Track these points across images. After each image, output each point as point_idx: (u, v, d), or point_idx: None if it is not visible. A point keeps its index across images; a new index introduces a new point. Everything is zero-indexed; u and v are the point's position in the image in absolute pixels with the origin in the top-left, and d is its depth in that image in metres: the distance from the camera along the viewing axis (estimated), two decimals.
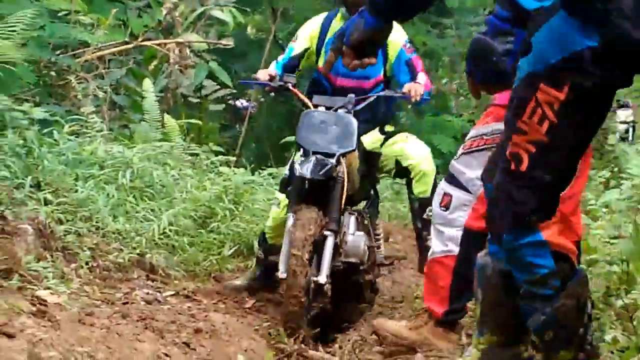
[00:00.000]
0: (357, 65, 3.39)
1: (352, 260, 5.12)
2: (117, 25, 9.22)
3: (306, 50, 5.82)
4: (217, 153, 8.67)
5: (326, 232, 4.91)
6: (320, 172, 4.84)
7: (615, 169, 8.41)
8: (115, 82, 9.23)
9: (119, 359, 3.87)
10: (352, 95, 5.40)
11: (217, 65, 9.98)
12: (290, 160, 5.67)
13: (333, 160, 4.95)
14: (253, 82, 5.89)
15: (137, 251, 5.89)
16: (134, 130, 8.53)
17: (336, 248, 5.03)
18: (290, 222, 4.91)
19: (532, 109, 2.75)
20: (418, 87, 5.53)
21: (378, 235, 5.80)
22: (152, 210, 6.50)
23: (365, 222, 5.51)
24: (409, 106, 10.29)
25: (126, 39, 9.31)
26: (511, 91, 2.92)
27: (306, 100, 5.41)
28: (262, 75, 5.48)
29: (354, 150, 5.19)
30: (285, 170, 6.02)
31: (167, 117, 8.62)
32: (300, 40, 5.80)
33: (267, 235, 5.91)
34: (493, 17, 2.85)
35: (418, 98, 5.48)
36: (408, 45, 5.84)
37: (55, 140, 6.63)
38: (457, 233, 4.32)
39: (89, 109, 7.85)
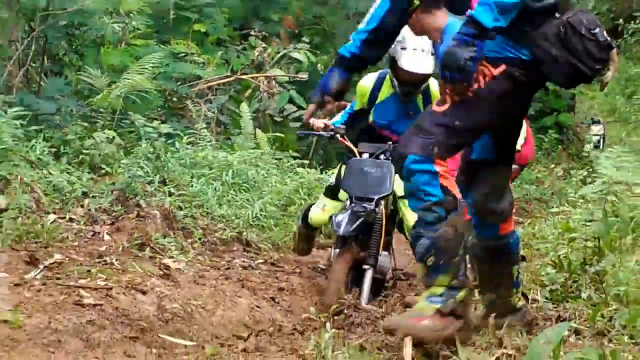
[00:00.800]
0: (339, 107, 3.67)
1: (379, 277, 4.68)
2: (221, 63, 9.24)
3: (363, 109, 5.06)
4: (295, 157, 8.69)
5: (365, 267, 4.48)
6: (351, 229, 4.39)
7: (590, 170, 8.27)
8: (220, 105, 9.27)
9: (223, 309, 3.89)
10: (390, 143, 4.73)
11: (296, 93, 10.01)
12: (337, 170, 5.17)
13: (372, 205, 4.47)
14: (309, 132, 5.32)
15: (237, 230, 5.91)
16: (234, 141, 8.56)
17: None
18: (333, 257, 4.71)
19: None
20: None
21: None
22: (247, 199, 6.53)
23: (389, 245, 4.92)
24: None
25: (228, 73, 9.34)
26: None
27: (352, 147, 4.81)
28: (318, 123, 4.95)
29: (390, 194, 4.63)
30: (331, 178, 5.44)
31: (258, 131, 8.64)
32: (357, 100, 5.10)
33: (309, 218, 5.23)
34: (459, 33, 2.76)
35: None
36: None
37: (176, 148, 6.71)
38: None
39: (201, 125, 7.92)
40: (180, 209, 5.61)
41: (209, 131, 8.01)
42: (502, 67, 2.78)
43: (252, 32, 9.85)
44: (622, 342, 2.82)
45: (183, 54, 8.26)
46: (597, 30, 2.71)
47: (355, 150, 4.77)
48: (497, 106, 2.83)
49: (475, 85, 2.76)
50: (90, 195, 5.29)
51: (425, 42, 4.47)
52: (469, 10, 2.77)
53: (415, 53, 4.57)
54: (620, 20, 20.40)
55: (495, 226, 3.15)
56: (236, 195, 6.57)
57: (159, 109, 7.89)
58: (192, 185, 6.14)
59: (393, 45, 4.27)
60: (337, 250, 4.68)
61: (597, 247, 3.83)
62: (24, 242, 4.35)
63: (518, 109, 3.05)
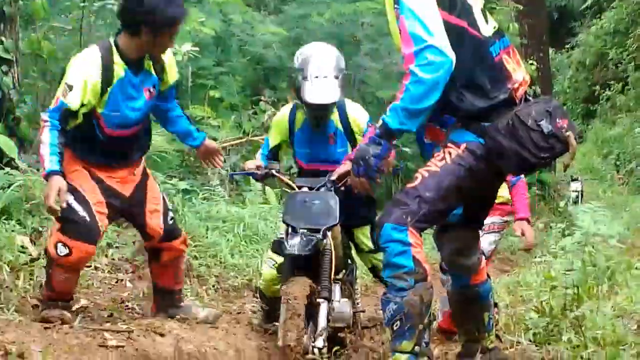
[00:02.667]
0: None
1: (340, 325, 3.97)
2: (234, 126, 9.31)
3: (280, 143, 4.54)
4: None
5: (319, 300, 3.75)
6: (307, 248, 3.70)
7: (568, 223, 8.27)
8: (233, 164, 9.34)
9: (234, 350, 3.88)
10: (330, 176, 4.00)
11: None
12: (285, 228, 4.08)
13: (319, 235, 3.79)
14: (242, 173, 4.88)
15: (247, 278, 5.91)
16: (245, 196, 8.58)
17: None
18: (284, 294, 3.64)
19: (440, 154, 2.85)
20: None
21: (357, 299, 4.47)
22: (257, 250, 6.51)
23: (348, 289, 4.27)
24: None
25: (240, 135, 9.41)
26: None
27: (290, 182, 4.21)
28: (250, 164, 4.37)
29: (336, 224, 3.94)
30: (279, 233, 4.60)
31: (267, 188, 8.68)
32: (272, 135, 4.56)
33: (263, 291, 4.47)
34: (371, 135, 2.84)
35: (390, 169, 4.18)
36: (370, 124, 4.26)
37: (193, 203, 6.73)
38: None
39: (215, 182, 7.95)
40: (196, 258, 5.63)
41: (223, 187, 8.04)
42: (464, 145, 2.83)
43: (262, 98, 9.93)
44: None
45: (200, 118, 8.33)
46: (543, 121, 2.75)
47: (293, 185, 4.15)
48: (463, 179, 2.84)
49: (442, 162, 2.82)
50: (114, 246, 5.32)
51: (327, 66, 4.12)
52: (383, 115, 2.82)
53: (316, 82, 4.08)
54: (597, 87, 20.66)
55: (467, 278, 3.19)
56: (247, 246, 6.57)
57: (177, 167, 7.93)
58: (207, 237, 6.14)
59: (295, 75, 4.16)
60: (285, 287, 3.76)
61: (576, 294, 3.84)
62: None
63: (485, 186, 3.05)
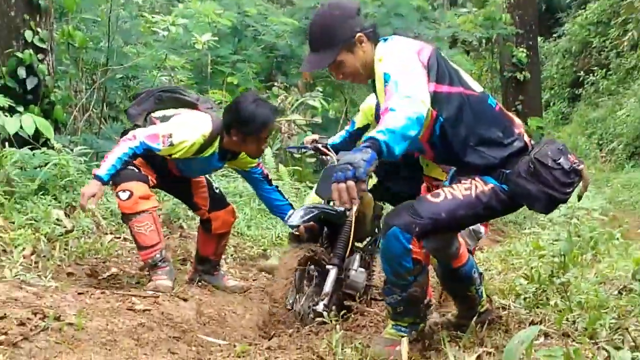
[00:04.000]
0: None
1: (351, 292, 3.87)
2: None
3: (368, 124, 4.40)
4: (311, 187, 8.68)
5: (329, 266, 3.68)
6: (303, 219, 3.59)
7: None
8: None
9: (251, 314, 3.89)
10: None
11: (311, 134, 10.01)
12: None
13: (341, 208, 3.61)
14: (295, 147, 4.93)
15: (262, 248, 5.91)
16: None
17: (341, 279, 3.79)
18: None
19: (467, 183, 2.73)
20: None
21: (374, 271, 4.26)
22: (271, 223, 6.51)
23: (367, 259, 4.12)
24: None
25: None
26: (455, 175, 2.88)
27: (333, 156, 4.06)
28: (308, 139, 4.35)
29: (362, 198, 3.66)
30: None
31: (280, 165, 8.65)
32: (359, 115, 4.45)
33: None
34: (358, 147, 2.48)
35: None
36: None
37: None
38: None
39: None
40: None
41: None
42: (491, 186, 2.74)
43: (275, 84, 9.89)
44: (583, 342, 2.80)
45: (219, 102, 8.31)
46: (562, 159, 2.69)
47: (334, 158, 4.03)
48: (478, 216, 2.80)
49: (467, 192, 2.72)
50: None
51: None
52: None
53: None
54: (582, 73, 20.52)
55: (449, 263, 3.12)
56: (262, 219, 6.57)
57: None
58: None
59: None
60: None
61: (562, 262, 3.80)
62: (86, 258, 4.38)
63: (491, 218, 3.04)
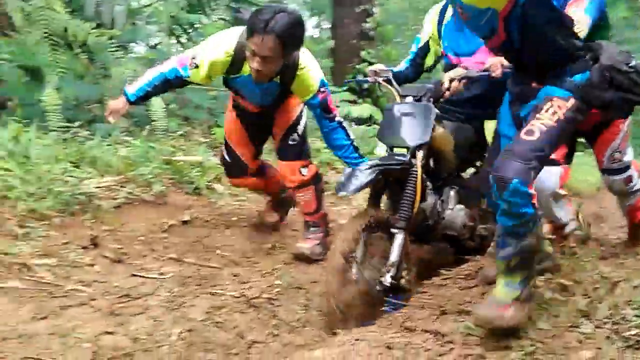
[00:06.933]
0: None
1: (450, 233, 3.54)
2: None
3: (430, 38, 3.84)
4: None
5: (394, 230, 3.10)
6: (356, 187, 3.00)
7: None
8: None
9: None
10: (432, 83, 3.51)
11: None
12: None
13: (404, 158, 3.21)
14: (357, 80, 4.45)
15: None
16: None
17: (437, 221, 3.48)
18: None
19: (549, 107, 2.58)
20: (499, 61, 3.29)
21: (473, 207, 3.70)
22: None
23: (466, 194, 3.65)
24: None
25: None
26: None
27: (396, 90, 3.55)
28: (371, 69, 3.80)
29: (427, 144, 3.30)
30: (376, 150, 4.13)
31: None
32: (425, 27, 3.87)
33: None
34: None
35: (499, 73, 3.27)
36: None
37: None
38: None
39: None
40: None
41: None
42: (572, 102, 2.60)
43: None
44: None
45: None
46: (632, 61, 2.57)
47: (396, 94, 3.54)
48: (571, 133, 2.73)
49: (555, 117, 2.57)
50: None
51: None
52: None
53: None
54: None
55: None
56: None
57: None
58: None
59: None
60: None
61: None
62: None
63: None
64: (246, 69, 3.50)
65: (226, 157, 4.08)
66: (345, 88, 8.29)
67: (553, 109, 2.58)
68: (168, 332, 2.79)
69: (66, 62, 5.83)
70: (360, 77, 4.05)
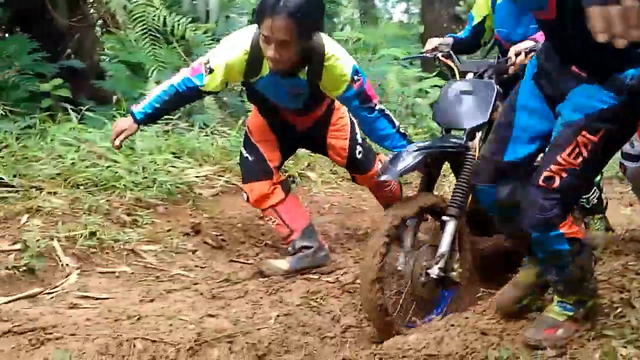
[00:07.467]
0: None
1: None
2: None
3: (486, 16, 3.63)
4: None
5: (445, 218, 2.77)
6: (400, 170, 2.66)
7: None
8: None
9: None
10: (495, 60, 3.15)
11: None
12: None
13: (460, 141, 2.88)
14: (414, 56, 4.31)
15: None
16: None
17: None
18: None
19: (572, 149, 2.18)
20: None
21: None
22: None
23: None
24: None
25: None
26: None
27: (453, 66, 3.23)
28: (428, 46, 3.48)
29: (486, 124, 2.92)
30: None
31: None
32: (476, 7, 3.68)
33: None
34: None
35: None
36: None
37: None
38: None
39: None
40: None
41: None
42: (601, 132, 2.18)
43: None
44: None
45: None
46: None
47: (456, 70, 3.21)
48: (602, 163, 2.36)
49: (580, 159, 2.18)
50: None
51: None
52: None
53: None
54: None
55: None
56: None
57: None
58: None
59: None
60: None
61: None
62: None
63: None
64: (265, 68, 3.13)
65: (247, 155, 3.54)
66: (434, 73, 7.95)
67: (577, 148, 2.19)
68: (266, 315, 2.89)
69: (165, 57, 6.09)
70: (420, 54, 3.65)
